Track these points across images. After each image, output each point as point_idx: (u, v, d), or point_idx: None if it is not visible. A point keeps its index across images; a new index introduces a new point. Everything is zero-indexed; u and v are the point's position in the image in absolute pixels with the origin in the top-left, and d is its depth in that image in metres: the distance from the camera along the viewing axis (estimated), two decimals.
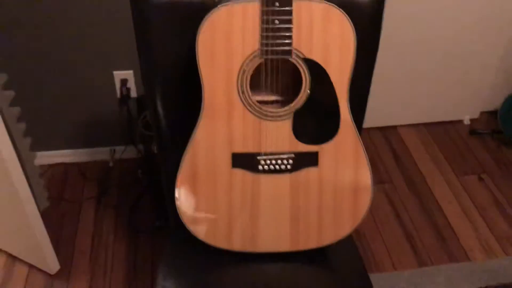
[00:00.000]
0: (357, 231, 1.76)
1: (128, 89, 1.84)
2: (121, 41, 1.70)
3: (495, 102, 2.21)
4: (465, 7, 1.92)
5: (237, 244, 1.07)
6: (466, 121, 2.28)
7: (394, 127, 2.25)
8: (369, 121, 2.20)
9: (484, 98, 2.23)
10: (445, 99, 2.20)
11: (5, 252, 1.63)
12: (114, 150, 2.00)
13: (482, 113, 2.31)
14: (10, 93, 1.47)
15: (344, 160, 1.01)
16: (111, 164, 1.98)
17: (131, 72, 1.81)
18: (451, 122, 2.29)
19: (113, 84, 1.83)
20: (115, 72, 1.81)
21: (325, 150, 0.99)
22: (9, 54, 1.66)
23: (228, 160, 0.99)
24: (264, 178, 1.00)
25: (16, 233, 1.51)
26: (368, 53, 1.05)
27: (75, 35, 1.69)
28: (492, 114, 2.26)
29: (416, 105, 2.20)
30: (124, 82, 1.83)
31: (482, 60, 2.09)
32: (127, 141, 1.96)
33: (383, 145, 2.16)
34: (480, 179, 1.99)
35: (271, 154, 0.98)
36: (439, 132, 2.24)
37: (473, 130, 2.22)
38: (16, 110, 1.49)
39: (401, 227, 1.79)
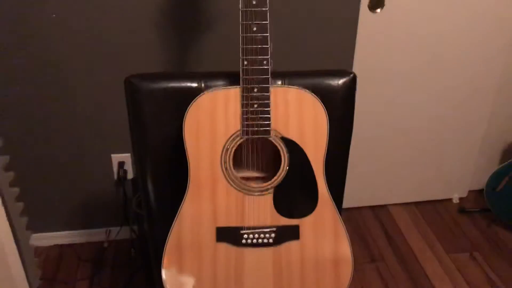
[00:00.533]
0: None
1: (125, 171, 1.92)
2: (119, 125, 1.81)
3: (482, 180, 2.28)
4: (447, 89, 2.04)
5: None
6: (455, 200, 2.33)
7: (385, 206, 2.30)
8: (360, 201, 2.26)
9: (471, 177, 2.30)
10: (433, 178, 2.27)
11: None
12: (110, 231, 2.04)
13: (470, 191, 2.36)
14: (10, 174, 1.54)
15: (324, 233, 1.05)
16: (105, 245, 2.01)
17: (128, 155, 1.90)
18: (440, 201, 2.34)
19: (111, 167, 1.91)
20: (113, 155, 1.90)
21: (306, 224, 1.05)
22: (11, 137, 1.75)
23: (212, 234, 1.04)
24: (248, 252, 1.05)
25: None
26: (344, 131, 1.13)
27: (76, 119, 1.79)
28: (480, 192, 2.32)
29: (405, 184, 2.26)
30: (121, 164, 1.91)
31: (465, 140, 2.18)
32: (122, 222, 2.00)
33: (374, 224, 2.19)
34: (472, 257, 2.00)
35: (254, 228, 1.04)
36: (429, 210, 2.28)
37: (462, 208, 2.26)
38: (15, 190, 1.56)
39: None
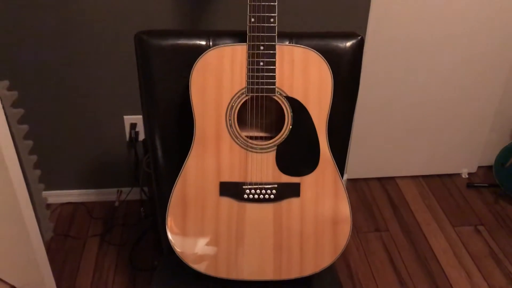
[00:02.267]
0: (351, 275, 1.79)
1: (137, 133, 1.96)
2: (132, 87, 1.84)
3: (492, 157, 2.27)
4: (460, 63, 2.03)
5: (223, 271, 1.12)
6: (464, 175, 2.33)
7: (392, 178, 2.31)
8: (368, 172, 2.28)
9: (481, 153, 2.29)
10: (443, 152, 2.27)
11: (7, 283, 1.69)
12: (121, 191, 2.10)
13: (479, 167, 2.36)
14: (25, 127, 1.58)
15: (324, 192, 1.08)
16: (116, 204, 2.07)
17: (140, 117, 1.93)
18: (449, 175, 2.34)
19: (123, 128, 1.96)
20: (125, 117, 1.93)
21: (307, 182, 1.07)
22: (26, 92, 1.80)
23: (216, 188, 1.07)
24: (249, 207, 1.08)
25: (20, 264, 1.57)
26: (349, 95, 1.15)
27: (89, 80, 1.83)
28: (489, 168, 2.31)
29: (414, 157, 2.27)
30: (133, 126, 1.95)
31: (477, 116, 2.17)
32: (133, 183, 2.06)
33: (381, 195, 2.21)
34: (477, 230, 2.02)
35: (256, 184, 1.06)
36: (437, 184, 2.29)
37: (470, 183, 2.27)
38: (29, 143, 1.60)
39: (396, 274, 1.81)
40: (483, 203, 2.17)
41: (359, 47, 1.11)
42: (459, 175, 2.34)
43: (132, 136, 1.95)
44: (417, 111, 2.13)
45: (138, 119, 1.94)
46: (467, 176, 2.33)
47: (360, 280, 1.78)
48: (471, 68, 2.04)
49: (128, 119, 1.94)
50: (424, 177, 2.32)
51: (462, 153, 2.29)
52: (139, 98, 1.16)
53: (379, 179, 2.30)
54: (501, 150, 2.11)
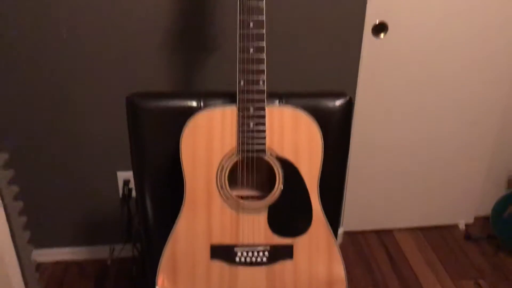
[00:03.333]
0: None
1: (130, 189, 1.94)
2: (126, 143, 1.83)
3: (488, 207, 2.25)
4: (453, 113, 2.05)
5: None
6: (461, 226, 2.31)
7: (390, 231, 2.28)
8: (365, 224, 2.25)
9: (477, 204, 2.28)
10: (439, 204, 2.25)
11: None
12: (114, 248, 2.05)
13: (476, 218, 2.34)
14: (15, 188, 1.57)
15: (318, 253, 1.06)
16: (109, 262, 2.02)
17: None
18: (446, 226, 2.31)
19: (116, 184, 1.94)
20: (118, 173, 1.92)
21: (300, 243, 1.05)
22: (16, 151, 1.79)
23: (207, 251, 1.05)
24: (241, 271, 1.05)
25: None
26: (340, 153, 1.15)
27: (82, 136, 1.83)
28: (486, 218, 2.29)
29: (411, 209, 2.25)
30: (126, 182, 1.93)
31: (472, 166, 2.17)
32: (125, 239, 2.02)
33: (378, 248, 2.17)
34: (477, 284, 1.97)
35: (248, 246, 1.04)
36: (435, 236, 2.26)
37: (468, 234, 2.24)
38: (19, 204, 1.58)
39: None
40: (482, 256, 2.14)
41: (348, 107, 1.12)
42: (456, 226, 2.32)
43: (125, 192, 1.93)
44: (412, 162, 2.13)
45: (131, 175, 1.93)
46: (464, 227, 2.31)
47: None
48: (464, 118, 2.06)
49: (121, 175, 1.93)
50: (421, 229, 2.30)
51: (458, 204, 2.27)
52: None
53: (376, 232, 2.27)
54: (497, 201, 2.09)
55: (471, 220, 2.32)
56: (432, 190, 2.21)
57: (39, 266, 1.90)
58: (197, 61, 1.75)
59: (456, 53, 1.91)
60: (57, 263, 2.04)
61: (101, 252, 2.06)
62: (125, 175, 1.93)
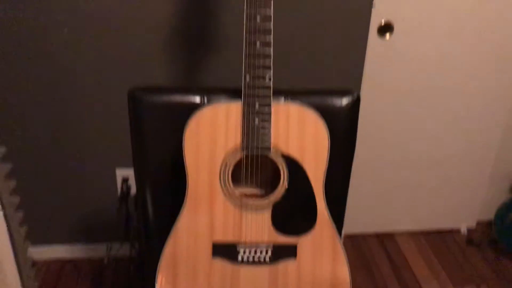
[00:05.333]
0: None
1: (129, 187, 1.92)
2: (125, 140, 1.81)
3: (490, 212, 2.23)
4: (457, 118, 2.03)
5: None
6: (463, 230, 2.28)
7: (391, 234, 2.26)
8: (366, 227, 2.23)
9: (480, 208, 2.26)
10: (441, 208, 2.23)
11: None
12: (111, 247, 2.02)
13: (478, 222, 2.32)
14: (12, 183, 1.54)
15: (322, 254, 1.03)
16: (105, 261, 1.99)
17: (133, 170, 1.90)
18: (448, 231, 2.29)
19: (115, 181, 1.91)
20: (117, 170, 1.90)
21: (303, 243, 1.03)
22: (14, 146, 1.76)
23: (208, 249, 1.02)
24: (244, 270, 1.03)
25: None
26: (346, 151, 1.12)
27: (81, 132, 1.80)
28: (489, 223, 2.27)
29: (412, 213, 2.23)
30: (125, 180, 1.91)
31: (475, 171, 2.15)
32: (123, 238, 1.99)
33: (379, 252, 2.15)
34: None
35: (251, 244, 1.02)
36: (436, 240, 2.23)
37: (470, 239, 2.21)
38: (16, 199, 1.56)
39: None
40: (484, 261, 2.11)
41: (355, 104, 1.10)
42: (458, 230, 2.29)
43: (124, 190, 1.91)
44: (414, 165, 2.11)
45: (130, 172, 1.90)
46: (466, 232, 2.28)
47: None
48: (467, 123, 2.04)
49: (121, 172, 1.90)
50: (423, 233, 2.27)
51: (461, 209, 2.25)
52: None
53: (377, 235, 2.25)
54: (500, 206, 2.07)
55: (473, 225, 2.30)
56: (434, 194, 2.19)
57: (35, 264, 1.87)
58: (201, 59, 1.73)
59: (462, 55, 1.89)
60: (53, 261, 2.01)
61: (98, 250, 2.04)
62: (124, 172, 1.91)
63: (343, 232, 2.20)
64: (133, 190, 1.93)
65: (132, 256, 1.87)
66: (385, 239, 2.23)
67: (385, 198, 2.17)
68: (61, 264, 2.00)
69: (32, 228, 1.75)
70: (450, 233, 2.28)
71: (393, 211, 2.21)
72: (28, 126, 1.76)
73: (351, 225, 2.21)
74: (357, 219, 2.20)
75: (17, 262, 1.31)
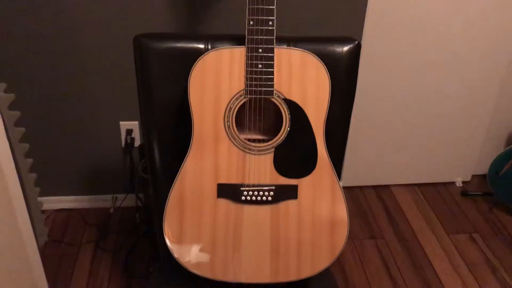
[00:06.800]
0: (347, 282, 1.79)
1: (133, 139, 1.96)
2: (129, 93, 1.84)
3: (486, 165, 2.28)
4: (455, 71, 2.05)
5: (220, 273, 1.12)
6: (458, 183, 2.35)
7: (387, 186, 2.32)
8: (363, 180, 2.29)
9: (475, 162, 2.31)
10: (437, 161, 2.28)
11: None
12: (116, 197, 2.09)
13: (474, 176, 2.38)
14: (21, 130, 1.58)
15: (322, 194, 1.08)
16: (111, 210, 2.06)
17: (136, 123, 1.93)
18: (443, 183, 2.35)
19: (119, 134, 1.95)
20: (121, 123, 1.93)
21: (304, 184, 1.07)
22: (23, 94, 1.80)
23: (213, 190, 1.07)
24: (247, 209, 1.08)
25: (13, 268, 1.55)
26: (346, 99, 1.16)
27: (86, 85, 1.83)
28: (483, 177, 2.33)
29: (409, 166, 2.28)
30: (129, 132, 1.95)
31: (471, 125, 2.19)
32: (128, 189, 2.05)
33: (376, 203, 2.22)
34: (471, 238, 2.02)
35: (254, 185, 1.07)
36: (432, 192, 2.30)
37: (465, 191, 2.28)
38: (25, 146, 1.59)
39: (391, 281, 1.81)
40: (478, 212, 2.18)
41: (356, 52, 1.13)
42: (453, 183, 2.36)
43: (128, 142, 1.95)
44: (411, 119, 2.15)
45: (134, 125, 1.94)
46: (461, 185, 2.35)
47: (356, 287, 1.78)
48: (465, 77, 2.07)
49: (124, 125, 1.94)
50: (418, 185, 2.34)
51: (457, 162, 2.30)
52: (136, 104, 1.16)
53: (374, 187, 2.31)
54: (495, 158, 2.12)
55: (468, 178, 2.36)
56: (431, 148, 2.24)
57: (42, 213, 1.94)
58: (204, 7, 1.73)
59: (463, 11, 1.89)
60: (59, 211, 2.08)
61: (103, 201, 2.10)
62: (128, 124, 1.94)
63: (341, 183, 2.26)
64: (137, 142, 1.97)
65: (138, 205, 1.93)
66: (381, 191, 2.30)
67: (382, 151, 2.22)
68: (68, 213, 2.07)
69: (38, 179, 1.80)
70: (445, 186, 2.35)
71: (390, 165, 2.27)
72: (37, 75, 1.78)
73: (348, 179, 2.27)
74: (355, 172, 2.26)
75: (27, 205, 1.36)
